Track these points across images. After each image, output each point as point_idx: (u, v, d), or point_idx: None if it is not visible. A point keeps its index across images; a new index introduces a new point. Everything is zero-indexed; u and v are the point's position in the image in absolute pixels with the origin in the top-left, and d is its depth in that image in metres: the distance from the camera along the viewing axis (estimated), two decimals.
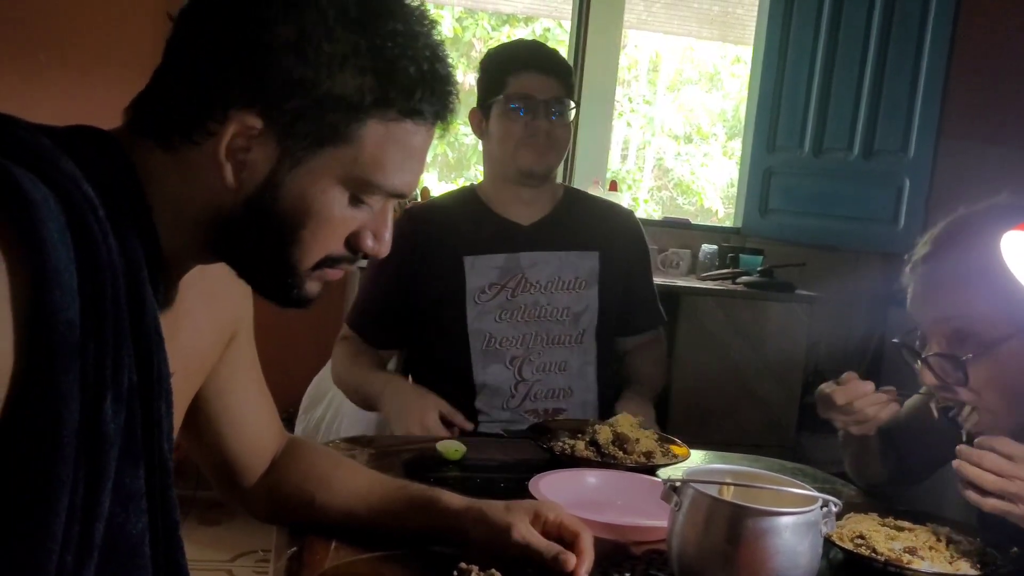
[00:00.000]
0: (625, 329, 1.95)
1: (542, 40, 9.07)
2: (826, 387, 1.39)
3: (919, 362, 1.31)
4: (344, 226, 0.82)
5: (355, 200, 0.82)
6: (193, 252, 0.84)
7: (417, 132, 0.81)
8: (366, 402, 1.82)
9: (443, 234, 1.82)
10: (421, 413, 1.62)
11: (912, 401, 1.50)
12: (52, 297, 0.66)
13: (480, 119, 1.85)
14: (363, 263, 1.12)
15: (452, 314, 1.79)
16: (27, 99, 3.02)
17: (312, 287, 0.85)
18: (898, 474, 1.51)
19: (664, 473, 1.37)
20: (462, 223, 1.84)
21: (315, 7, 0.75)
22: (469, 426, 1.66)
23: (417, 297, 1.82)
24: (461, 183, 8.81)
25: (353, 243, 0.84)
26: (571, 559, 0.98)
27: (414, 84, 0.79)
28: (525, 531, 0.99)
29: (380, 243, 0.86)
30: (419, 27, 0.80)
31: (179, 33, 0.79)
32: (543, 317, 1.81)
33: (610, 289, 1.87)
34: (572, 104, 1.83)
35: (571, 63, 3.71)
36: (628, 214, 2.04)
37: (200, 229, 0.81)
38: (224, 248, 0.83)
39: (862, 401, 1.34)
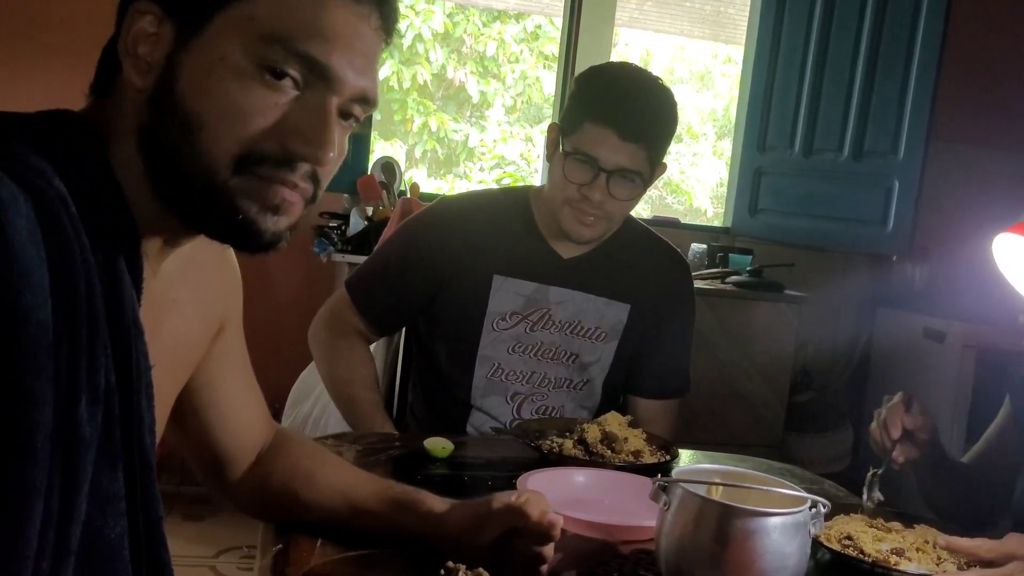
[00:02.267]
0: (641, 390, 1.77)
1: (535, 35, 8.99)
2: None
3: None
4: (253, 99, 0.73)
5: (264, 72, 0.73)
6: (162, 217, 0.79)
7: None
8: (344, 406, 1.69)
9: (478, 241, 1.66)
10: None
11: (991, 432, 1.50)
12: (22, 299, 0.64)
13: (554, 141, 1.63)
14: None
15: (466, 334, 1.67)
16: (31, 84, 3.01)
17: (248, 206, 0.75)
18: (969, 508, 1.48)
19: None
20: (501, 234, 1.67)
21: None
22: None
23: (435, 300, 1.68)
24: (451, 179, 8.79)
25: (280, 137, 0.74)
26: (558, 520, 0.97)
27: None
28: (506, 499, 0.99)
29: (315, 145, 0.75)
30: None
31: None
32: (556, 359, 1.68)
33: (633, 345, 1.71)
34: (647, 178, 1.58)
35: (566, 62, 3.70)
36: (681, 266, 1.80)
37: (146, 174, 0.76)
38: (154, 178, 0.76)
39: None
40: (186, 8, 0.73)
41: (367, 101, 0.79)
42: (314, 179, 0.78)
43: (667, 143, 1.60)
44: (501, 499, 1.00)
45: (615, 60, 1.79)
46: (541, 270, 1.67)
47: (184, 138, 0.74)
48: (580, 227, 1.59)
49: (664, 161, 1.62)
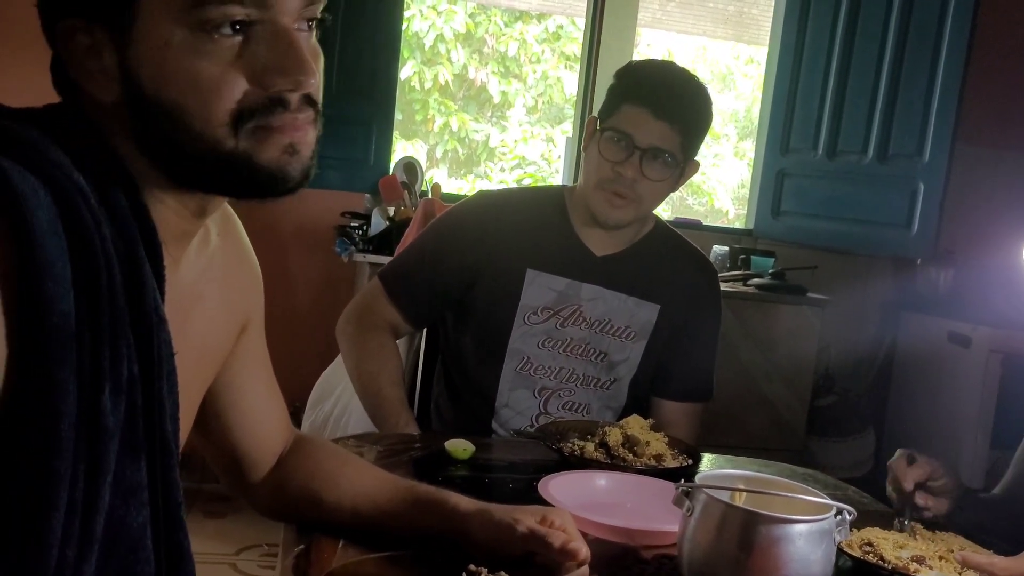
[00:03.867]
0: (665, 392, 1.78)
1: (556, 35, 9.00)
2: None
3: None
4: (214, 64, 0.72)
5: (210, 34, 0.71)
6: (173, 211, 0.80)
7: None
8: (369, 400, 1.69)
9: (513, 235, 1.68)
10: None
11: (1021, 455, 1.47)
12: (44, 289, 0.64)
13: (591, 133, 1.67)
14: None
15: (497, 326, 1.68)
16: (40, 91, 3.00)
17: (270, 156, 0.75)
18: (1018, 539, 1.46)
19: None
20: (536, 230, 1.70)
21: None
22: None
23: (468, 291, 1.70)
24: (471, 180, 8.80)
25: (263, 84, 0.74)
26: (582, 548, 0.96)
27: None
28: (532, 524, 0.98)
29: (294, 74, 0.74)
30: None
31: None
32: (585, 355, 1.69)
33: (661, 345, 1.73)
34: (679, 161, 1.62)
35: (588, 62, 3.69)
36: (710, 273, 1.83)
37: (156, 176, 0.77)
38: (165, 170, 0.77)
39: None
40: (105, 8, 0.72)
41: None
42: (310, 101, 0.77)
43: (701, 133, 1.65)
44: (526, 522, 0.98)
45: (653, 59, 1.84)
46: (574, 266, 1.68)
47: (175, 128, 0.73)
48: (610, 209, 1.62)
49: (697, 159, 1.67)
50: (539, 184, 7.21)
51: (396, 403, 1.65)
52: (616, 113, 1.61)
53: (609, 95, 1.66)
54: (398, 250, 2.29)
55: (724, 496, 1.00)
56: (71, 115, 0.77)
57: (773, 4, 3.94)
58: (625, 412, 1.70)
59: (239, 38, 0.73)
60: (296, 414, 2.45)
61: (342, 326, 1.76)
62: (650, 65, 1.72)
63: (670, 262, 1.76)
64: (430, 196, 3.18)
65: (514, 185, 7.77)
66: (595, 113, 1.69)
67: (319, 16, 0.78)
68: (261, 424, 1.08)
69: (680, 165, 1.63)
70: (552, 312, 1.68)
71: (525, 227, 1.70)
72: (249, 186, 0.77)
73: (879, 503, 1.44)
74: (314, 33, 0.79)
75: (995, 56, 3.60)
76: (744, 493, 1.04)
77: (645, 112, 1.57)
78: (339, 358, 2.43)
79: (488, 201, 1.78)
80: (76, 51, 0.73)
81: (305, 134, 0.77)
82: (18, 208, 0.64)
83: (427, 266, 1.71)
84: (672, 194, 1.75)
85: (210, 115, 0.73)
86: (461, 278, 1.69)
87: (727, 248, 3.53)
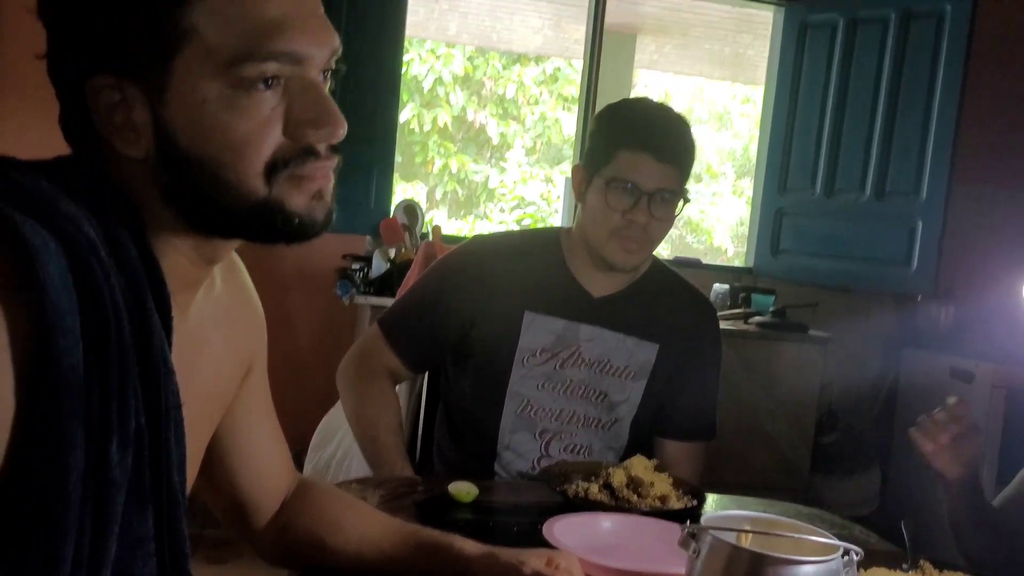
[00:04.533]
0: (667, 431, 1.77)
1: (554, 77, 9.10)
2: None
3: None
4: (252, 118, 0.74)
5: (240, 86, 0.73)
6: (187, 259, 0.81)
7: None
8: (366, 446, 1.69)
9: (510, 279, 1.69)
10: None
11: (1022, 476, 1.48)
12: (55, 342, 0.65)
13: (582, 180, 1.68)
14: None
15: (496, 370, 1.68)
16: (49, 143, 3.04)
17: (297, 205, 0.77)
18: (1004, 554, 1.45)
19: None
20: (532, 273, 1.70)
21: None
22: None
23: (466, 335, 1.70)
24: (471, 220, 8.83)
25: (295, 135, 0.76)
26: None
27: None
28: (538, 567, 0.98)
29: (325, 126, 0.77)
30: None
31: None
32: (585, 397, 1.69)
33: (661, 385, 1.72)
34: (681, 194, 1.64)
35: (586, 103, 3.73)
36: (709, 310, 1.84)
37: (175, 227, 0.78)
38: (192, 221, 0.78)
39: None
40: (140, 67, 0.73)
41: (336, 51, 0.80)
42: (335, 149, 0.80)
43: (692, 165, 1.68)
44: (532, 565, 0.98)
45: (628, 97, 1.84)
46: (572, 308, 1.69)
47: (210, 181, 0.75)
48: (627, 255, 1.63)
49: (687, 188, 1.68)
50: (535, 227, 7.24)
51: (392, 450, 1.65)
52: (614, 160, 1.61)
53: (599, 141, 1.66)
54: (399, 292, 2.29)
55: (730, 537, 0.99)
56: (84, 166, 0.77)
57: (768, 45, 3.99)
58: (627, 452, 1.70)
59: (271, 92, 0.75)
60: (298, 458, 2.43)
61: (342, 372, 1.76)
62: (634, 105, 1.72)
63: (668, 301, 1.76)
64: (431, 238, 3.19)
65: (513, 227, 7.80)
66: (580, 161, 1.70)
67: (334, 67, 0.81)
68: (265, 468, 1.08)
69: (681, 197, 1.65)
70: (551, 354, 1.68)
71: (521, 270, 1.70)
72: (280, 232, 0.79)
73: (886, 542, 1.43)
74: (329, 83, 0.81)
75: (989, 94, 3.64)
76: (750, 534, 1.04)
77: (646, 157, 1.58)
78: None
79: (484, 246, 1.79)
80: (105, 107, 0.74)
81: (329, 180, 0.80)
82: (31, 262, 0.65)
83: (425, 312, 1.72)
84: (672, 232, 1.75)
85: (247, 167, 0.75)
86: (459, 323, 1.70)
87: (727, 286, 3.54)
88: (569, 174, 4.67)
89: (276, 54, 0.74)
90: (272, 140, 0.75)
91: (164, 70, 0.73)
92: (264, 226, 0.78)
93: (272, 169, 0.76)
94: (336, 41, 0.79)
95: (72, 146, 0.79)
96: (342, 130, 0.78)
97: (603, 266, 1.67)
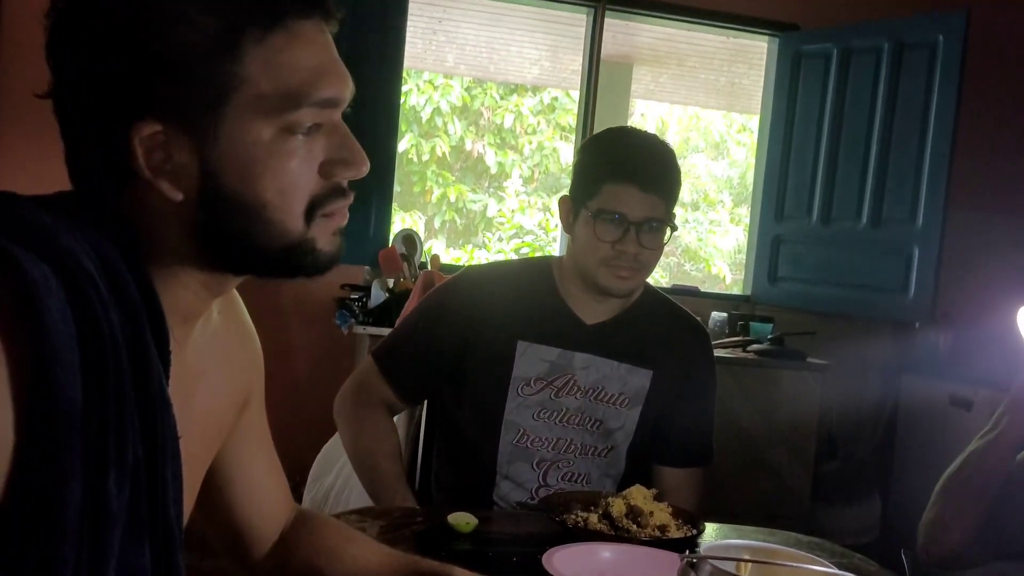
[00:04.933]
0: (664, 457, 1.77)
1: (551, 107, 9.14)
2: None
3: None
4: (298, 161, 0.78)
5: (288, 131, 0.77)
6: (192, 292, 0.82)
7: (293, 35, 0.77)
8: (366, 476, 1.69)
9: (503, 308, 1.69)
10: None
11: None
12: (54, 375, 0.65)
13: (569, 211, 1.70)
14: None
15: (491, 399, 1.68)
16: (37, 174, 3.06)
17: (324, 242, 0.81)
18: (986, 541, 1.45)
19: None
20: (524, 302, 1.71)
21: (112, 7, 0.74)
22: None
23: (460, 365, 1.70)
24: (470, 250, 8.85)
25: (328, 175, 0.80)
26: None
27: None
28: None
29: (355, 165, 0.81)
30: None
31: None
32: (580, 425, 1.69)
33: (656, 411, 1.72)
34: (668, 221, 1.65)
35: (583, 133, 3.76)
36: (702, 335, 1.84)
37: (188, 262, 0.80)
38: (220, 259, 0.80)
39: None
40: (189, 112, 0.74)
41: (353, 93, 0.84)
42: (352, 185, 0.83)
43: (678, 192, 1.69)
44: None
45: (612, 127, 1.85)
46: (565, 336, 1.69)
47: (253, 220, 0.77)
48: (619, 282, 1.64)
49: (674, 213, 1.69)
50: (528, 256, 7.25)
51: (392, 478, 1.65)
52: (600, 193, 1.62)
53: (584, 174, 1.67)
54: (398, 322, 2.30)
55: (730, 567, 0.99)
56: (86, 202, 0.78)
57: (763, 75, 4.03)
58: (625, 480, 1.70)
59: (313, 138, 0.79)
60: (296, 489, 2.43)
61: (339, 405, 1.76)
62: (618, 139, 1.72)
63: (661, 326, 1.76)
64: (429, 267, 3.20)
65: (511, 256, 7.81)
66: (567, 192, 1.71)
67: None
68: (263, 500, 1.08)
69: (668, 224, 1.66)
70: (546, 383, 1.68)
71: (513, 299, 1.71)
72: (304, 269, 0.82)
73: (887, 570, 1.42)
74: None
75: (983, 122, 3.68)
76: (750, 564, 1.04)
77: (631, 188, 1.60)
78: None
79: (475, 276, 1.80)
80: (144, 149, 0.75)
81: (346, 217, 0.84)
82: (30, 295, 0.65)
83: (418, 343, 1.73)
84: (670, 260, 1.76)
85: (291, 207, 0.78)
86: (453, 353, 1.70)
87: (726, 314, 3.54)
88: None
89: (320, 101, 0.77)
90: (312, 180, 0.79)
91: (214, 116, 0.75)
92: (293, 264, 0.81)
93: (311, 208, 0.79)
94: (353, 86, 0.83)
95: (79, 183, 0.80)
96: (366, 167, 0.82)
97: (597, 292, 1.68)
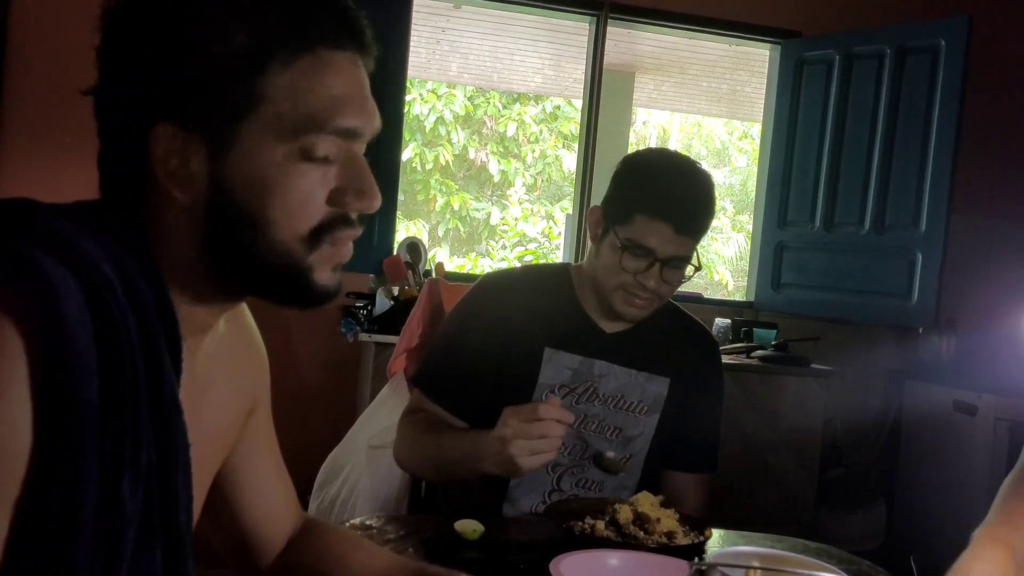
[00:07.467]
0: (671, 462, 1.78)
1: (554, 115, 9.15)
2: None
3: None
4: (308, 184, 0.78)
5: (305, 154, 0.78)
6: (202, 305, 0.83)
7: (323, 63, 0.78)
8: (453, 465, 1.61)
9: (529, 315, 1.69)
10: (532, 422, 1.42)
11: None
12: (72, 377, 0.66)
13: (597, 225, 1.68)
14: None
15: (516, 404, 1.62)
16: (54, 182, 3.08)
17: (324, 275, 0.81)
18: None
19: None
20: (548, 309, 1.71)
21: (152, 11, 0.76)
22: (570, 417, 1.45)
23: (494, 371, 1.68)
24: (473, 257, 8.86)
25: (337, 204, 0.80)
26: None
27: (291, 18, 0.76)
28: None
29: (367, 198, 0.81)
30: None
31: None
32: (600, 432, 1.70)
33: (672, 419, 1.73)
34: (692, 266, 1.65)
35: (586, 141, 3.76)
36: (713, 344, 1.87)
37: (199, 275, 0.80)
38: (222, 272, 0.81)
39: None
40: (208, 122, 0.76)
41: (377, 131, 0.84)
42: (362, 219, 0.83)
43: (708, 229, 1.68)
44: None
45: (655, 148, 1.82)
46: (587, 344, 1.70)
47: (257, 236, 0.78)
48: (631, 309, 1.64)
49: (699, 251, 1.69)
50: (541, 262, 7.22)
51: (464, 431, 1.63)
52: (632, 223, 1.59)
53: (620, 193, 1.65)
54: (403, 330, 2.29)
55: (739, 574, 0.99)
56: (107, 209, 0.79)
57: (765, 82, 4.03)
58: (637, 488, 1.69)
59: (328, 164, 0.79)
60: (302, 497, 2.43)
61: (398, 434, 1.72)
62: (660, 166, 1.67)
63: (675, 335, 1.78)
64: (433, 275, 3.21)
65: (515, 263, 7.80)
66: (598, 200, 1.69)
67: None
68: (270, 507, 1.08)
69: (692, 263, 1.66)
70: (569, 389, 1.68)
71: (539, 306, 1.71)
72: (301, 298, 0.82)
73: None
74: None
75: (986, 126, 3.68)
76: (759, 570, 1.04)
77: (665, 227, 1.57)
78: (345, 439, 2.41)
79: (499, 282, 1.79)
80: (166, 151, 0.76)
81: (350, 252, 0.83)
82: (49, 299, 0.66)
83: (456, 356, 1.71)
84: None
85: (295, 229, 0.78)
86: (490, 358, 1.68)
87: (729, 321, 3.54)
88: (570, 210, 4.69)
89: (339, 129, 0.78)
90: (319, 206, 0.79)
91: (232, 129, 0.76)
92: (289, 289, 0.81)
93: (315, 234, 0.79)
94: (379, 122, 0.83)
95: (108, 184, 0.81)
96: (378, 203, 0.82)
97: (608, 310, 1.68)
